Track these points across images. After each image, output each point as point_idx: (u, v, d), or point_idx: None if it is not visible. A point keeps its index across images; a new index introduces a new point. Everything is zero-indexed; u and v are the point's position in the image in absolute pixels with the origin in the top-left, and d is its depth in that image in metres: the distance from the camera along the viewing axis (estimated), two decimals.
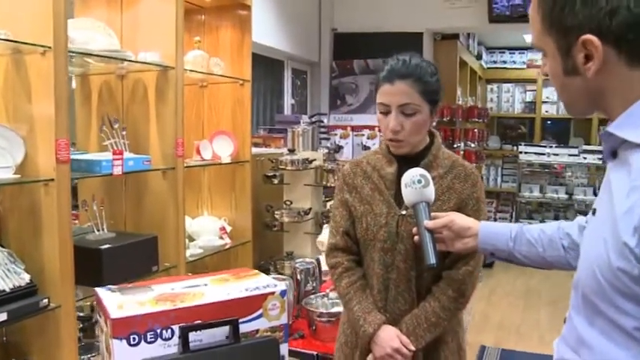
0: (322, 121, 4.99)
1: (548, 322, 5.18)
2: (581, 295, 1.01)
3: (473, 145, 7.10)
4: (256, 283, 1.58)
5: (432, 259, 1.50)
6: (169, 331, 1.39)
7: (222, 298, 1.47)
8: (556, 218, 8.07)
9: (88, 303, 2.97)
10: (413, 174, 1.60)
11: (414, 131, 1.77)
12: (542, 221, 7.47)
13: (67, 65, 2.34)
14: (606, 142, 1.02)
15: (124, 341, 1.35)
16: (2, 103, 2.39)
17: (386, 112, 1.77)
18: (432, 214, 1.56)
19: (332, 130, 5.40)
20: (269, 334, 1.52)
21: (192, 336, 1.39)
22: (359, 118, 5.64)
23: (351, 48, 5.86)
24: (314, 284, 2.62)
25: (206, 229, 3.46)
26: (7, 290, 2.21)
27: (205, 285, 1.55)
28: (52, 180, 2.30)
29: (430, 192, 1.58)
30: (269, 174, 3.77)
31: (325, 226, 3.39)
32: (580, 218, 1.40)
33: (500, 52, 8.90)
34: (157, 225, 3.01)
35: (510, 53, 8.89)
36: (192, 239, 3.40)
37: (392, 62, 1.77)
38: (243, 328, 1.47)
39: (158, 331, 1.38)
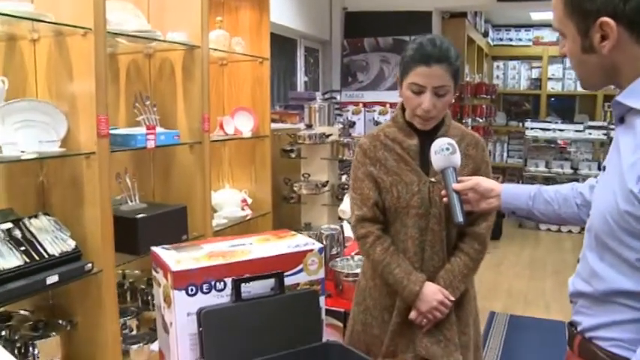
0: (335, 98, 5.13)
1: (552, 290, 5.39)
2: (594, 236, 1.21)
3: (481, 120, 7.25)
4: (296, 241, 1.75)
5: (459, 218, 1.66)
6: (222, 283, 1.57)
7: (268, 254, 1.65)
8: None
9: (120, 271, 3.17)
10: (442, 142, 1.75)
11: (443, 109, 1.91)
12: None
13: (106, 45, 2.49)
14: (615, 110, 1.21)
15: (183, 292, 1.53)
16: (45, 82, 2.55)
17: (418, 92, 1.85)
18: (459, 177, 1.72)
19: (344, 106, 5.55)
20: (309, 287, 1.70)
21: (243, 287, 1.57)
22: (370, 95, 5.78)
23: (362, 26, 5.98)
24: (338, 249, 2.80)
25: (228, 201, 3.63)
26: (57, 255, 2.39)
27: (251, 244, 1.72)
28: (94, 153, 2.47)
29: (457, 158, 1.73)
30: (287, 148, 3.94)
31: (346, 196, 3.56)
32: (591, 179, 1.59)
33: (506, 30, 9.01)
34: (184, 197, 3.19)
35: (516, 31, 8.99)
36: (214, 211, 3.57)
37: (425, 44, 1.85)
38: (286, 281, 1.64)
39: (212, 282, 1.56)
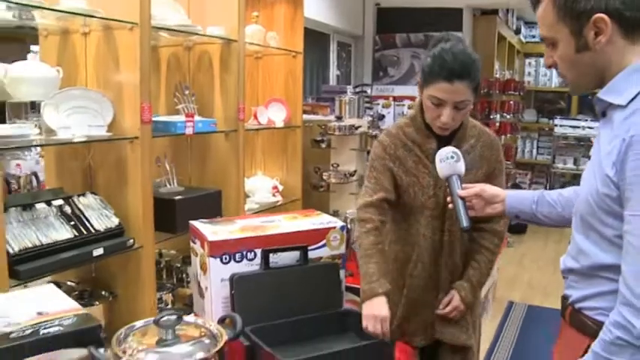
0: (366, 92, 5.29)
1: None
2: (579, 218, 1.36)
3: (508, 116, 7.33)
4: (320, 219, 1.94)
5: (464, 223, 1.71)
6: (253, 253, 1.76)
7: (294, 229, 1.83)
8: None
9: (157, 250, 3.38)
10: (447, 151, 1.79)
11: (461, 120, 1.94)
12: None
13: (150, 39, 2.69)
14: (597, 105, 1.36)
15: (218, 259, 1.72)
16: (94, 72, 2.76)
17: (438, 104, 1.86)
18: (463, 185, 1.78)
19: (375, 100, 5.71)
20: (330, 260, 1.88)
21: (271, 257, 1.76)
22: (400, 89, 5.93)
23: (394, 22, 6.12)
24: None
25: (260, 188, 3.82)
26: (102, 230, 2.60)
27: (279, 220, 1.91)
28: (137, 138, 2.67)
29: (461, 166, 1.79)
30: (317, 139, 4.12)
31: None
32: None
33: (538, 27, 9.02)
34: (219, 182, 3.39)
35: None
36: (247, 196, 3.76)
37: (448, 59, 1.82)
38: (310, 254, 1.83)
39: (244, 252, 1.75)
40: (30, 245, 2.32)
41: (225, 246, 1.72)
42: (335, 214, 3.92)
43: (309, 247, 1.82)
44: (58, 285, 2.75)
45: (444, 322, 2.06)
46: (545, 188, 8.74)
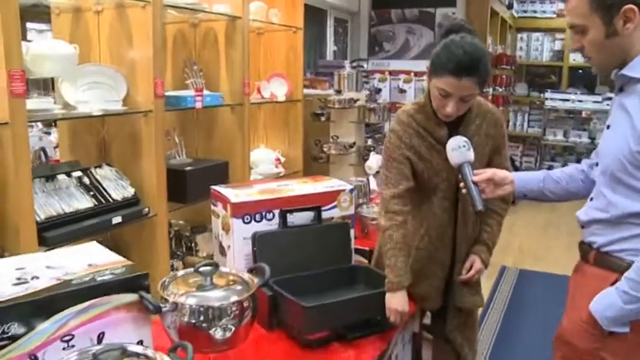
0: (362, 66, 5.42)
1: (563, 249, 5.70)
2: (609, 175, 1.56)
3: (501, 90, 7.49)
4: (331, 183, 2.10)
5: (479, 206, 1.83)
6: (271, 213, 1.92)
7: (309, 192, 1.99)
8: (578, 161, 8.47)
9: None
10: (457, 141, 1.88)
11: (465, 109, 1.98)
12: (564, 164, 7.88)
13: (162, 16, 2.82)
14: (618, 81, 1.58)
15: (240, 220, 1.88)
16: (107, 49, 2.89)
17: (445, 96, 1.89)
18: (475, 170, 1.89)
19: (371, 74, 5.85)
20: (341, 220, 2.04)
21: (288, 217, 1.92)
22: (395, 64, 6.06)
23: None
24: (364, 199, 3.14)
25: (263, 159, 3.98)
26: (119, 199, 2.75)
27: (293, 184, 2.07)
28: (151, 111, 2.81)
29: (471, 153, 1.89)
30: (317, 112, 4.25)
31: (372, 154, 3.88)
32: (586, 160, 1.90)
33: (530, 2, 9.15)
34: (225, 154, 3.54)
35: (541, 2, 9.13)
36: (250, 168, 3.91)
37: (458, 54, 1.84)
38: (323, 215, 2.00)
39: (263, 213, 1.91)
40: (55, 214, 2.47)
41: (246, 207, 1.88)
42: None
43: (322, 208, 1.99)
44: None
45: (462, 289, 2.18)
46: (536, 160, 8.97)
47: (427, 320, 2.39)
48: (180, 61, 3.48)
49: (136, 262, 2.92)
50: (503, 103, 7.46)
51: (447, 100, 1.89)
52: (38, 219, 2.37)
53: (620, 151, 1.51)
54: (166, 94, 3.00)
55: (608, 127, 1.63)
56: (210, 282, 1.41)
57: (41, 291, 1.27)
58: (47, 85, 2.93)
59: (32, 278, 1.34)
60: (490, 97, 6.99)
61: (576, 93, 8.52)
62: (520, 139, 9.25)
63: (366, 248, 2.57)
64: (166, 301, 1.37)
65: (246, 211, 1.88)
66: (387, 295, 1.89)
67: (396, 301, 1.88)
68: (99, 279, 1.34)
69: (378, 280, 1.92)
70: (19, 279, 1.33)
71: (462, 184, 1.88)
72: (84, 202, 2.63)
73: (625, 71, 1.53)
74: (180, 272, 1.50)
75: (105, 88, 2.79)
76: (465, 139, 1.90)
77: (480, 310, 4.06)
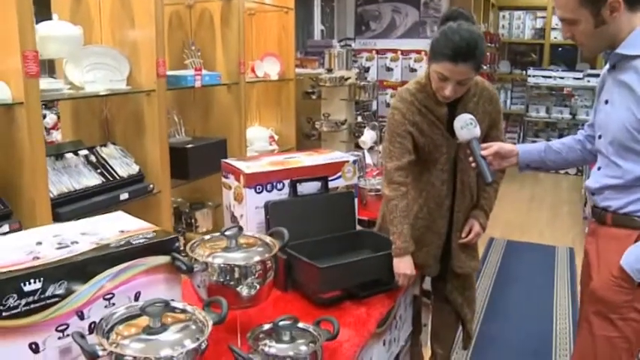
0: (350, 45, 5.52)
1: (547, 220, 5.93)
2: (617, 144, 1.69)
3: (485, 67, 7.63)
4: (335, 155, 2.23)
5: (489, 178, 1.94)
6: (281, 183, 2.04)
7: (315, 163, 2.11)
8: (560, 137, 8.68)
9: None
10: (465, 118, 1.98)
11: (463, 92, 2.09)
12: (547, 140, 8.07)
13: None
14: (611, 59, 1.72)
15: (252, 190, 2.00)
16: (109, 30, 2.97)
17: (442, 79, 2.00)
18: (482, 145, 2.00)
19: (359, 53, 5.95)
20: (346, 189, 2.17)
21: (298, 187, 2.04)
22: (382, 42, 6.15)
23: None
24: (361, 172, 3.26)
25: (258, 137, 4.08)
26: (125, 177, 2.85)
27: (299, 157, 2.19)
28: (154, 90, 2.90)
29: (478, 129, 2.00)
30: (308, 90, 4.37)
31: (366, 129, 4.01)
32: (581, 131, 2.04)
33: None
34: (222, 132, 3.64)
35: None
36: (246, 145, 4.02)
37: (455, 40, 1.94)
38: (329, 184, 2.12)
39: (274, 183, 2.03)
40: (66, 190, 2.57)
41: (258, 178, 2.00)
42: None
43: (328, 178, 2.11)
44: None
45: (460, 254, 2.29)
46: (519, 137, 9.16)
47: (425, 286, 2.54)
48: (177, 42, 3.56)
49: None
50: (487, 80, 7.61)
51: (445, 83, 2.00)
52: (51, 195, 2.46)
53: (627, 122, 1.64)
54: (167, 73, 3.08)
55: (606, 102, 1.76)
56: (235, 244, 1.53)
57: (83, 254, 1.38)
58: (52, 67, 3.02)
59: (72, 243, 1.44)
60: None
61: (557, 70, 8.69)
62: (504, 115, 9.38)
63: (365, 218, 2.70)
64: (197, 261, 1.48)
65: (258, 181, 2.00)
66: (395, 260, 2.02)
67: (404, 265, 2.02)
68: (134, 242, 1.45)
69: (383, 244, 2.05)
70: (60, 244, 1.44)
71: (471, 159, 1.99)
72: (92, 179, 2.73)
73: (619, 50, 1.67)
74: (207, 237, 1.61)
75: (108, 68, 2.87)
76: (470, 116, 2.00)
77: None
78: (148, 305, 1.24)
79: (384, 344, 1.91)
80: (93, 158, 2.82)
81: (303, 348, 1.37)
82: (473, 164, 1.98)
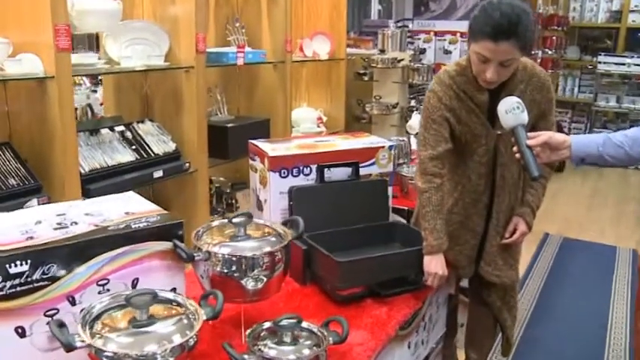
0: (407, 26, 5.32)
1: (609, 218, 5.56)
2: None
3: (550, 52, 7.26)
4: (370, 140, 2.08)
5: (535, 172, 1.69)
6: (308, 168, 1.91)
7: (347, 147, 1.98)
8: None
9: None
10: (511, 102, 1.75)
11: (507, 75, 1.89)
12: (616, 131, 7.66)
13: None
14: None
15: (277, 173, 1.88)
16: (150, 6, 2.90)
17: (484, 61, 1.82)
18: (529, 133, 1.76)
19: (416, 34, 5.72)
20: (379, 177, 2.03)
21: (325, 172, 1.91)
22: (441, 24, 5.90)
23: None
24: (405, 159, 3.11)
25: (305, 118, 3.96)
26: (161, 154, 2.79)
27: (332, 140, 2.06)
28: (192, 67, 2.82)
29: (525, 116, 1.77)
30: (360, 71, 4.22)
31: (414, 113, 3.83)
32: None
33: None
34: (266, 111, 3.54)
35: None
36: (292, 127, 3.91)
37: (494, 16, 1.75)
38: (361, 171, 1.98)
39: (301, 167, 1.90)
40: (98, 166, 2.52)
41: (283, 161, 1.88)
42: None
43: (360, 165, 1.97)
44: None
45: (496, 260, 2.11)
46: (586, 127, 8.71)
47: (464, 283, 2.37)
48: (222, 19, 3.47)
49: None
50: (552, 67, 7.24)
51: (486, 65, 1.81)
52: (82, 171, 2.42)
53: None
54: (208, 50, 3.00)
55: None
56: (243, 232, 1.42)
57: (78, 236, 1.30)
58: (92, 42, 2.98)
59: (72, 224, 1.36)
60: (539, 60, 6.79)
61: (632, 57, 8.16)
62: (569, 104, 8.97)
63: (405, 208, 2.55)
64: (199, 250, 1.38)
65: (283, 165, 1.88)
66: (426, 259, 1.86)
67: (435, 264, 1.85)
68: (134, 226, 1.36)
69: (416, 238, 1.89)
70: (59, 224, 1.36)
71: (515, 149, 1.76)
72: (126, 155, 2.67)
73: None
74: (215, 222, 1.50)
75: (148, 44, 2.80)
76: (518, 100, 1.78)
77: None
78: (134, 295, 1.14)
79: (408, 347, 1.77)
80: (129, 134, 2.77)
81: (306, 351, 1.24)
82: (517, 155, 1.74)
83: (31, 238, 1.28)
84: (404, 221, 2.38)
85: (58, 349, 1.12)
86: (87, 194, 2.38)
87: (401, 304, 1.72)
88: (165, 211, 1.49)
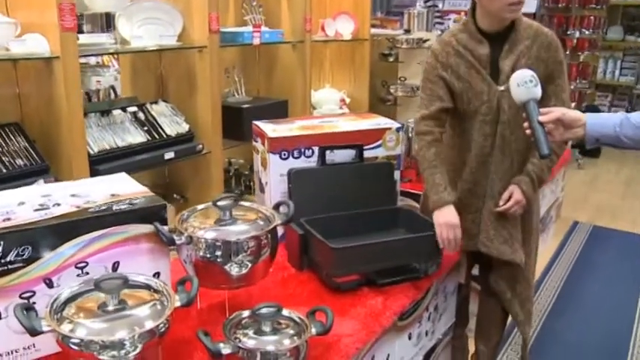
0: (437, 6, 5.17)
1: None
2: None
3: (587, 32, 6.98)
4: (377, 121, 1.99)
5: (545, 150, 1.61)
6: (310, 150, 1.84)
7: (351, 129, 1.90)
8: None
9: (227, 159, 3.52)
10: (524, 75, 1.68)
11: (519, 11, 1.86)
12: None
13: None
14: None
15: (277, 155, 1.82)
16: None
17: None
18: (541, 109, 1.65)
19: (446, 14, 5.57)
20: (386, 160, 1.94)
21: (328, 155, 1.84)
22: None
23: None
24: None
25: (328, 99, 3.88)
26: (173, 135, 2.75)
27: (337, 121, 1.98)
28: (205, 47, 2.77)
29: (539, 90, 1.68)
30: (385, 52, 4.11)
31: None
32: None
33: None
34: (285, 92, 3.47)
35: None
36: (314, 108, 3.83)
37: None
38: (366, 154, 1.90)
39: (302, 149, 1.83)
40: (107, 147, 2.49)
41: (284, 143, 1.81)
42: None
43: (366, 147, 1.89)
44: None
45: (488, 230, 2.02)
46: (627, 111, 8.42)
47: (475, 271, 2.26)
48: None
49: (192, 199, 2.99)
50: (589, 48, 6.97)
51: None
52: (91, 152, 2.40)
53: None
54: (223, 30, 2.94)
55: None
56: (229, 216, 1.36)
57: (57, 217, 1.26)
58: (109, 22, 2.95)
59: (54, 205, 1.33)
60: (575, 41, 6.55)
61: None
62: (610, 87, 8.66)
63: (420, 192, 2.46)
64: (181, 233, 1.32)
65: (283, 146, 1.81)
66: (434, 214, 1.81)
67: (443, 215, 1.80)
68: (115, 208, 1.31)
69: (423, 225, 1.80)
70: (41, 205, 1.33)
71: (525, 124, 1.67)
72: (137, 136, 2.64)
73: None
74: (201, 206, 1.45)
75: (160, 23, 2.76)
76: (532, 73, 1.70)
77: (542, 265, 3.90)
78: (104, 280, 1.10)
79: (409, 338, 1.69)
80: (141, 115, 2.73)
81: (286, 341, 1.18)
82: (528, 131, 1.65)
83: (9, 219, 1.25)
84: (417, 205, 2.29)
85: None
86: (96, 175, 2.35)
87: (398, 294, 1.63)
88: (151, 193, 1.44)
